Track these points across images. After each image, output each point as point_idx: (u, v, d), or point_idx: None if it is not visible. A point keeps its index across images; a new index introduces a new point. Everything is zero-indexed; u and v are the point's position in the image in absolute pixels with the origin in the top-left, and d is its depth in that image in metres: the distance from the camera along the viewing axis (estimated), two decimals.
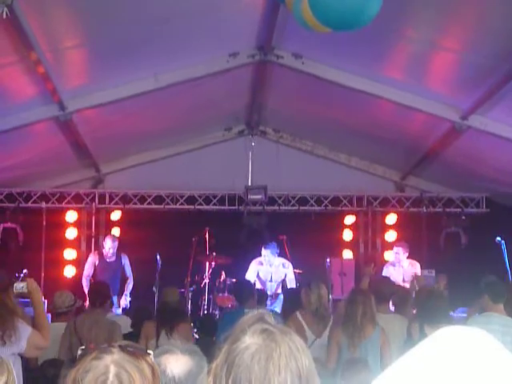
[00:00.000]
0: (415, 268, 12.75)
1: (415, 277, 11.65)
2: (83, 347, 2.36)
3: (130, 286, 13.10)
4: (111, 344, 2.27)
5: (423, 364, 1.57)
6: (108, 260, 13.07)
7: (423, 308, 7.82)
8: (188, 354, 3.45)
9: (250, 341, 2.06)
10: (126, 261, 13.16)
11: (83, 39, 9.18)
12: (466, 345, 1.57)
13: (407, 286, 12.23)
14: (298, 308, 8.66)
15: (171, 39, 9.45)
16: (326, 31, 6.61)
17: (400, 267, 12.79)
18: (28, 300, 7.07)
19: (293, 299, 9.40)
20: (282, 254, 13.07)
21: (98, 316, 8.58)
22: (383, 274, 12.74)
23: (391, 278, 12.25)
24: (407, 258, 12.87)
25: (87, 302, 11.55)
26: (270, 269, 12.89)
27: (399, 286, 11.05)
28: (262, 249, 12.87)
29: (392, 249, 14.09)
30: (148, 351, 2.27)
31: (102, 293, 8.97)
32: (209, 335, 9.75)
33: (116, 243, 13.16)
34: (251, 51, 10.58)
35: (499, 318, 7.46)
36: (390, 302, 9.09)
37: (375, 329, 7.62)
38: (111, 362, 2.25)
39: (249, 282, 11.67)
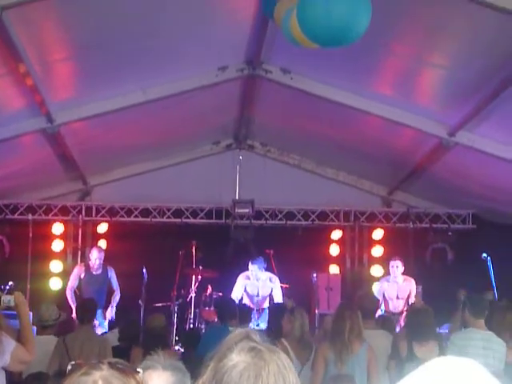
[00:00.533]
0: (410, 285, 12.49)
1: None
2: (73, 363, 2.35)
3: (116, 298, 13.04)
4: (101, 360, 2.26)
5: None
6: (94, 273, 13.00)
7: (411, 325, 7.83)
8: (170, 369, 3.43)
9: (237, 359, 2.06)
10: (112, 273, 13.09)
11: (72, 52, 9.17)
12: (457, 376, 1.57)
13: (401, 302, 12.19)
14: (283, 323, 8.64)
15: (160, 53, 9.45)
16: (314, 47, 6.65)
17: (395, 283, 12.51)
18: (14, 312, 7.02)
19: (278, 315, 9.36)
20: (268, 269, 13.02)
21: (88, 333, 8.74)
22: (377, 289, 12.67)
23: (385, 294, 12.23)
24: (402, 273, 12.59)
25: (73, 315, 11.54)
26: (257, 283, 12.83)
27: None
28: (249, 264, 12.81)
29: (378, 263, 14.11)
30: (137, 369, 2.27)
31: (91, 310, 9.15)
32: (194, 349, 9.74)
33: (102, 254, 13.10)
34: (240, 65, 10.60)
35: (481, 334, 7.55)
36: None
37: (362, 345, 7.61)
38: (99, 378, 2.23)
39: (231, 299, 11.66)
